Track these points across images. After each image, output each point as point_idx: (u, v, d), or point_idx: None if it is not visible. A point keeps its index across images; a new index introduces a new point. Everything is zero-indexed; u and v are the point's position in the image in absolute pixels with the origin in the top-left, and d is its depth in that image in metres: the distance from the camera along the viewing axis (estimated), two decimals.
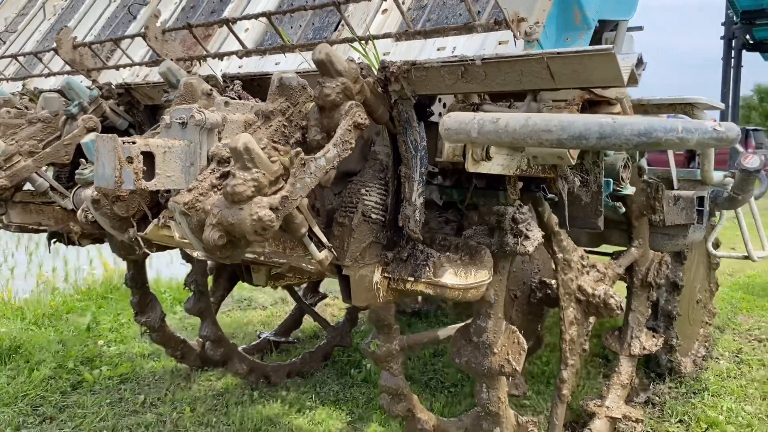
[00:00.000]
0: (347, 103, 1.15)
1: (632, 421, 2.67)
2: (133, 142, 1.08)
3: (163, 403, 2.94)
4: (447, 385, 3.22)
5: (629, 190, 1.83)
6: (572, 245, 2.29)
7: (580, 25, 1.15)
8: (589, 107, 1.41)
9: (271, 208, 0.99)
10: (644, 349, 2.80)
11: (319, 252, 1.18)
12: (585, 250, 3.54)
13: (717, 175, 2.85)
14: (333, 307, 4.72)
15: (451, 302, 2.82)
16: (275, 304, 4.92)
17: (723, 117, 3.85)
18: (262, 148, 1.03)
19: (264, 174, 0.99)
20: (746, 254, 3.15)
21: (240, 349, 3.40)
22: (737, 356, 3.81)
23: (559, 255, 2.24)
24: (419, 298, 4.68)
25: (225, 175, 1.03)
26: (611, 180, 1.86)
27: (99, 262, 6.20)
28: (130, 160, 1.07)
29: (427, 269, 1.35)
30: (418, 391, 3.14)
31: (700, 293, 3.61)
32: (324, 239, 1.19)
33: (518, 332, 1.95)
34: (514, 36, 1.11)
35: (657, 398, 3.11)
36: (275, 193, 1.02)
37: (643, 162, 2.80)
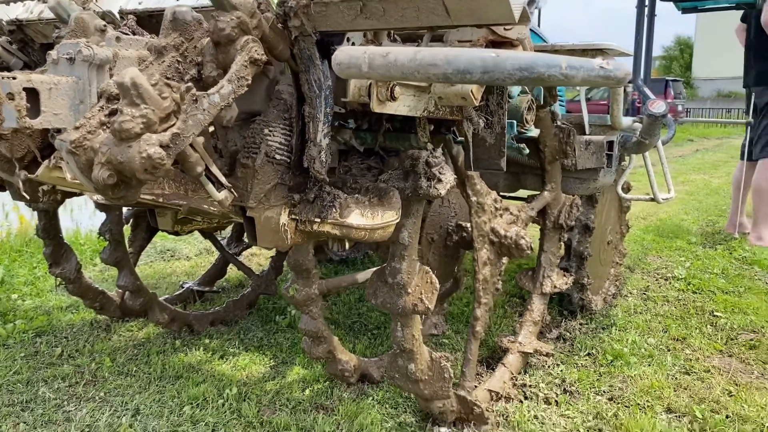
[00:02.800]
0: (243, 38, 1.13)
1: (543, 355, 2.81)
2: (14, 78, 1.03)
3: (81, 354, 2.89)
4: (370, 328, 3.29)
5: (533, 132, 1.88)
6: (486, 189, 2.35)
7: None
8: (492, 47, 1.44)
9: (161, 146, 0.97)
10: (555, 287, 2.93)
11: (219, 192, 1.17)
12: (503, 195, 3.65)
13: (626, 120, 2.96)
14: (259, 257, 4.70)
15: (377, 250, 2.85)
16: (200, 255, 4.86)
17: (636, 66, 4.00)
18: (153, 84, 1.00)
19: (153, 110, 0.97)
20: (652, 196, 3.31)
21: (162, 299, 3.36)
22: (644, 293, 4.03)
23: (473, 198, 2.29)
24: (346, 245, 4.71)
25: (114, 113, 1.00)
26: (515, 122, 1.90)
27: (16, 215, 5.93)
28: (11, 96, 1.02)
29: (334, 210, 1.36)
30: (342, 334, 3.20)
31: (611, 235, 3.78)
32: (223, 179, 1.18)
33: (431, 273, 2.00)
34: None
35: (568, 334, 3.27)
36: (166, 130, 1.00)
37: (557, 107, 2.88)
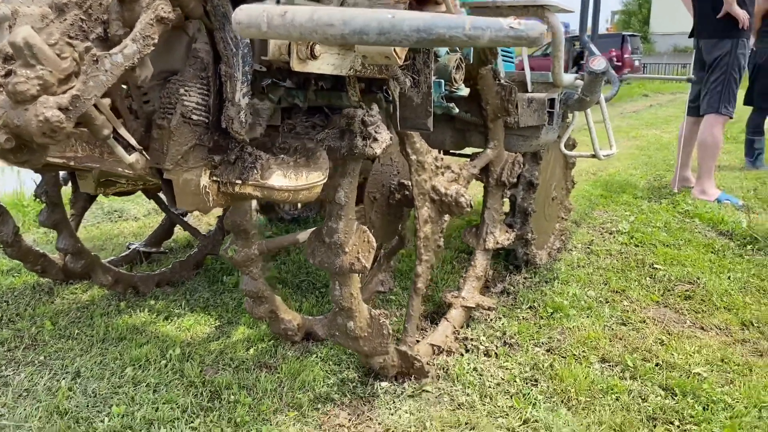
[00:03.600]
0: None
1: (485, 309, 2.87)
2: None
3: (21, 318, 2.85)
4: (318, 286, 3.32)
5: (463, 91, 1.88)
6: (426, 147, 2.36)
7: None
8: (417, 5, 1.42)
9: (59, 108, 0.94)
10: (497, 243, 2.98)
11: (129, 155, 1.15)
12: (449, 153, 3.67)
13: (568, 78, 2.98)
14: (209, 216, 4.66)
15: (321, 210, 2.83)
16: (148, 215, 4.79)
17: (583, 22, 4.00)
18: (53, 44, 0.97)
19: (51, 71, 0.94)
20: (593, 153, 3.36)
21: (108, 260, 3.32)
22: (588, 247, 4.14)
23: (413, 157, 2.30)
24: (298, 204, 4.69)
25: (10, 74, 0.97)
26: (443, 81, 1.90)
27: None
28: None
29: (255, 172, 1.35)
30: (290, 293, 3.22)
31: (556, 191, 3.85)
32: (133, 141, 1.16)
33: (368, 232, 2.02)
34: None
35: (512, 288, 3.35)
36: (66, 92, 0.97)
37: (500, 64, 2.88)
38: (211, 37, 1.30)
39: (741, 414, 2.20)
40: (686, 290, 3.42)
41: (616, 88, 3.74)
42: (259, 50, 1.34)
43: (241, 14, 0.93)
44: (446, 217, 2.53)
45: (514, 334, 2.80)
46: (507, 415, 2.17)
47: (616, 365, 2.57)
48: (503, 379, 2.43)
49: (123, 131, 1.13)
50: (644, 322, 3.02)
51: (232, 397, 2.19)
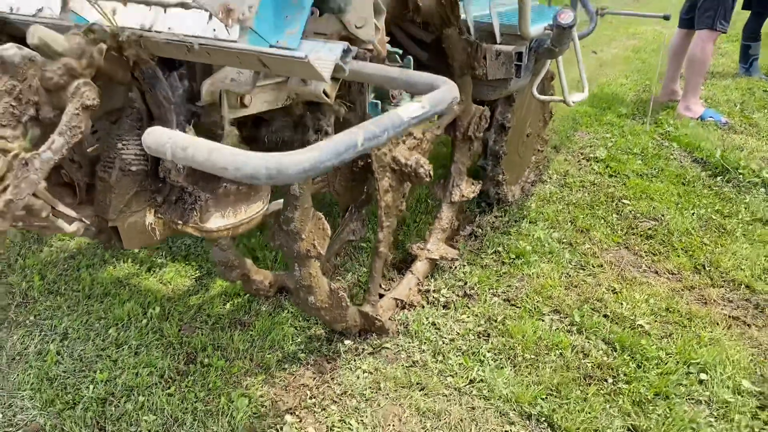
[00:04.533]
0: (74, 83, 1.15)
1: (448, 260, 3.04)
2: None
3: (13, 271, 3.03)
4: None
5: (406, 102, 1.92)
6: None
7: (297, 4, 1.17)
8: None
9: None
10: (462, 196, 3.10)
11: (70, 225, 1.26)
12: None
13: (534, 30, 2.96)
14: None
15: None
16: None
17: None
18: None
19: None
20: (563, 98, 3.38)
21: None
22: (563, 179, 4.24)
23: None
24: None
25: None
26: (379, 102, 1.94)
27: None
28: None
29: (194, 214, 1.46)
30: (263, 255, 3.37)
31: (531, 127, 3.89)
32: (71, 213, 1.26)
33: (324, 219, 2.14)
34: (225, 25, 1.11)
35: (480, 230, 3.49)
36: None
37: (469, 18, 2.86)
38: (143, 96, 1.36)
39: (670, 371, 2.41)
40: (649, 228, 3.57)
41: (594, 24, 3.69)
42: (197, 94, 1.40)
43: (149, 139, 1.00)
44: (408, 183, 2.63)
45: (475, 284, 2.98)
46: (456, 374, 2.39)
47: (566, 317, 2.77)
48: (458, 334, 2.63)
49: (62, 207, 1.23)
50: (602, 266, 3.19)
51: (206, 359, 2.40)
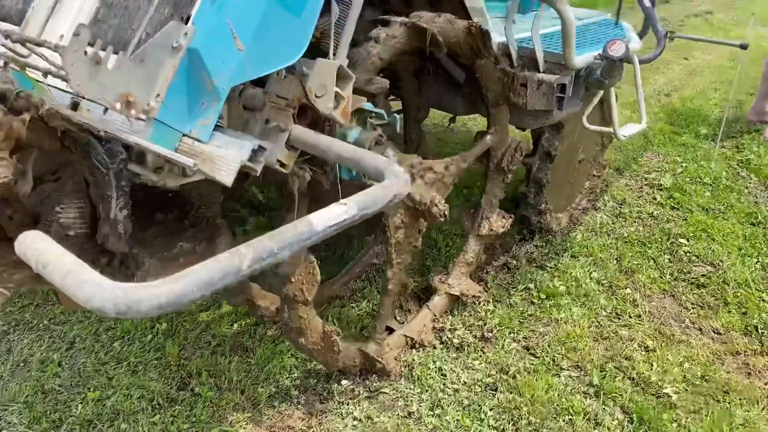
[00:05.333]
0: None
1: (471, 296, 2.88)
2: None
3: None
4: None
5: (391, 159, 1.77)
6: (399, 156, 2.28)
7: (212, 92, 1.06)
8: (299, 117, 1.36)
9: None
10: (491, 230, 2.92)
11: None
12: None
13: (584, 59, 2.72)
14: None
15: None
16: None
17: None
18: None
19: None
20: (613, 131, 3.12)
21: None
22: (619, 207, 3.96)
23: None
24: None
25: None
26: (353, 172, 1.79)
27: None
28: None
29: (137, 279, 1.39)
30: None
31: (584, 152, 3.64)
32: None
33: (315, 264, 2.04)
34: (127, 117, 1.02)
35: (514, 262, 3.30)
36: None
37: (511, 44, 2.67)
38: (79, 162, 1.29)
39: None
40: (702, 275, 3.27)
41: (661, 48, 3.38)
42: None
43: (19, 246, 0.93)
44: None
45: (495, 326, 2.81)
46: None
47: (585, 376, 2.57)
48: (464, 384, 2.49)
49: None
50: (639, 317, 2.94)
51: (198, 387, 2.37)
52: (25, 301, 2.86)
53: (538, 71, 2.75)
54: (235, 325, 2.74)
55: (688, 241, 3.58)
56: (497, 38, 2.76)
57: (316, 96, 1.28)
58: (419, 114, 3.10)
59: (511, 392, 2.45)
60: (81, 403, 2.28)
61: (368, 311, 2.90)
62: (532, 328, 2.82)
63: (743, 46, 3.56)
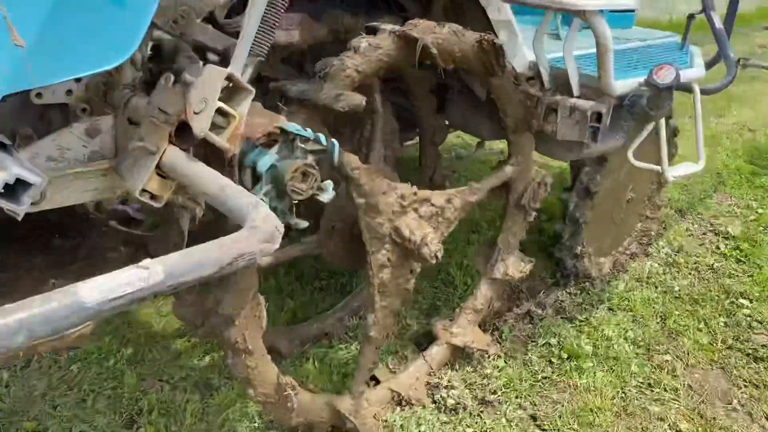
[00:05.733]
0: None
1: (476, 349, 2.51)
2: None
3: None
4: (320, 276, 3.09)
5: (326, 195, 1.41)
6: (385, 187, 1.97)
7: None
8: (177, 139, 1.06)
9: None
10: (506, 275, 2.54)
11: None
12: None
13: (625, 84, 2.32)
14: None
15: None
16: None
17: None
18: None
19: None
20: (661, 170, 2.67)
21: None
22: (675, 255, 3.47)
23: (360, 200, 1.94)
24: None
25: None
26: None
27: None
28: None
29: None
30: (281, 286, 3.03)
31: (635, 191, 3.19)
32: None
33: (263, 305, 1.75)
34: None
35: (539, 311, 2.90)
36: None
37: (542, 63, 2.32)
38: None
39: None
40: (763, 345, 2.77)
41: (730, 77, 2.91)
42: None
43: None
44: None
45: (500, 388, 2.43)
46: None
47: None
48: None
49: None
50: (676, 391, 2.49)
51: (144, 428, 2.11)
52: None
53: (572, 96, 2.37)
54: (207, 358, 2.47)
55: (750, 302, 3.07)
56: (529, 56, 2.41)
57: (194, 112, 0.99)
58: (436, 136, 2.76)
59: None
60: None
61: (348, 356, 2.57)
62: (544, 394, 2.42)
63: None
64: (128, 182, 1.05)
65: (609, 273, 3.26)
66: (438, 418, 2.28)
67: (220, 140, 1.01)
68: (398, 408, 2.30)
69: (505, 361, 2.57)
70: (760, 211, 4.03)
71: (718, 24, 2.95)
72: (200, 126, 0.98)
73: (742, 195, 4.29)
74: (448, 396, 2.37)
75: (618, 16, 3.68)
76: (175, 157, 1.01)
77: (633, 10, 2.97)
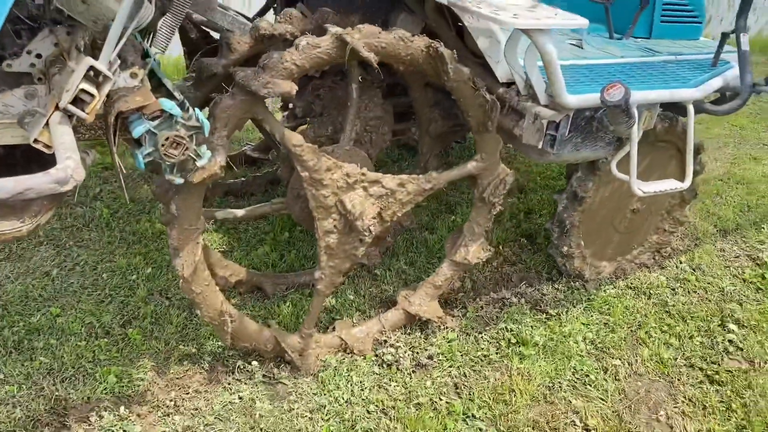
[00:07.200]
0: None
1: (427, 319, 2.82)
2: None
3: (84, 203, 3.65)
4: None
5: (202, 161, 1.78)
6: (330, 164, 2.33)
7: None
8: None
9: None
10: (466, 259, 2.81)
11: None
12: None
13: (580, 99, 2.46)
14: None
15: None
16: None
17: None
18: None
19: None
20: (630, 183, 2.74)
21: None
22: (692, 272, 3.48)
23: (305, 174, 2.32)
24: None
25: None
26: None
27: None
28: None
29: None
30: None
31: (641, 203, 3.25)
32: None
33: (200, 249, 2.21)
34: None
35: (514, 299, 3.11)
36: None
37: (516, 71, 2.53)
38: None
39: None
40: (728, 371, 2.79)
41: (741, 101, 2.88)
42: None
43: None
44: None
45: (438, 355, 2.72)
46: None
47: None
48: (363, 400, 2.47)
49: None
50: (606, 392, 2.63)
51: (132, 330, 2.68)
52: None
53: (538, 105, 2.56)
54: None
55: (740, 328, 3.06)
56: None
57: (66, 90, 1.43)
58: (431, 127, 3.04)
59: (399, 422, 2.39)
60: (43, 315, 2.72)
61: (330, 306, 2.97)
62: (477, 369, 2.68)
63: None
64: (29, 133, 1.52)
65: (608, 277, 3.36)
66: (371, 369, 2.63)
67: (78, 111, 1.44)
68: (341, 353, 2.68)
69: (457, 336, 2.85)
70: None
71: (744, 47, 2.93)
72: (66, 99, 1.42)
73: None
74: (388, 353, 2.71)
75: (684, 27, 3.68)
76: (53, 119, 1.46)
77: (578, 44, 3.04)
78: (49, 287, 2.89)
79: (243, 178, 3.88)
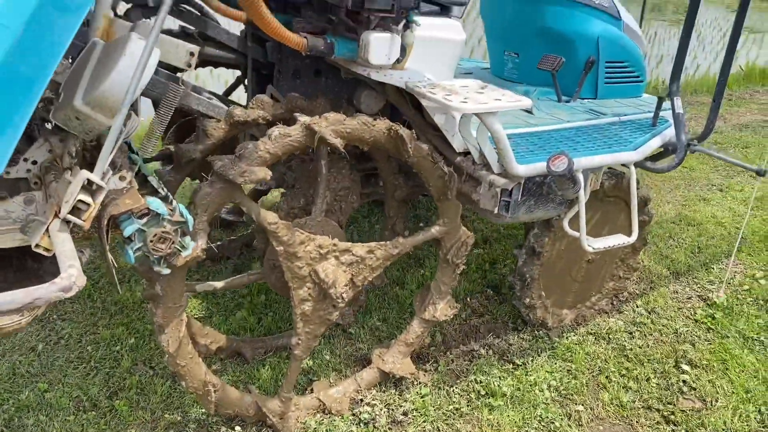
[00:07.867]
0: None
1: (400, 377, 2.98)
2: None
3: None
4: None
5: (186, 252, 1.96)
6: (303, 238, 2.51)
7: None
8: None
9: None
10: (434, 317, 2.99)
11: None
12: None
13: (530, 168, 2.69)
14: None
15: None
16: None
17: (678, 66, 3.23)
18: None
19: None
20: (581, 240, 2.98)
21: None
22: (648, 315, 3.70)
23: (280, 248, 2.49)
24: None
25: None
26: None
27: None
28: None
29: None
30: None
31: (595, 253, 3.48)
32: None
33: (185, 323, 2.36)
34: None
35: (482, 351, 3.30)
36: None
37: (471, 143, 2.75)
38: None
39: None
40: (683, 410, 2.99)
41: (678, 160, 3.15)
42: None
43: None
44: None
45: (413, 411, 2.87)
46: None
47: None
48: None
49: None
50: None
51: (119, 402, 2.79)
52: None
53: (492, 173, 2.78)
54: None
55: (693, 368, 3.27)
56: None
57: (65, 201, 1.60)
58: (396, 192, 3.25)
59: None
60: (32, 391, 2.82)
61: (308, 368, 3.12)
62: (450, 422, 2.84)
63: (760, 173, 3.16)
64: (31, 239, 1.68)
65: (570, 323, 3.57)
66: (349, 429, 2.77)
67: (77, 219, 1.61)
68: (319, 415, 2.82)
69: (430, 391, 3.01)
70: (762, 282, 4.11)
71: (678, 109, 3.21)
72: (65, 210, 1.59)
73: (756, 263, 4.36)
74: (365, 411, 2.86)
75: (627, 86, 3.98)
76: (53, 226, 1.62)
77: (529, 110, 3.31)
78: (35, 363, 2.99)
79: (219, 242, 4.02)
